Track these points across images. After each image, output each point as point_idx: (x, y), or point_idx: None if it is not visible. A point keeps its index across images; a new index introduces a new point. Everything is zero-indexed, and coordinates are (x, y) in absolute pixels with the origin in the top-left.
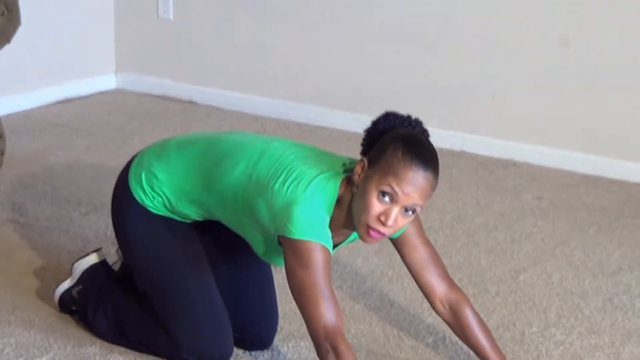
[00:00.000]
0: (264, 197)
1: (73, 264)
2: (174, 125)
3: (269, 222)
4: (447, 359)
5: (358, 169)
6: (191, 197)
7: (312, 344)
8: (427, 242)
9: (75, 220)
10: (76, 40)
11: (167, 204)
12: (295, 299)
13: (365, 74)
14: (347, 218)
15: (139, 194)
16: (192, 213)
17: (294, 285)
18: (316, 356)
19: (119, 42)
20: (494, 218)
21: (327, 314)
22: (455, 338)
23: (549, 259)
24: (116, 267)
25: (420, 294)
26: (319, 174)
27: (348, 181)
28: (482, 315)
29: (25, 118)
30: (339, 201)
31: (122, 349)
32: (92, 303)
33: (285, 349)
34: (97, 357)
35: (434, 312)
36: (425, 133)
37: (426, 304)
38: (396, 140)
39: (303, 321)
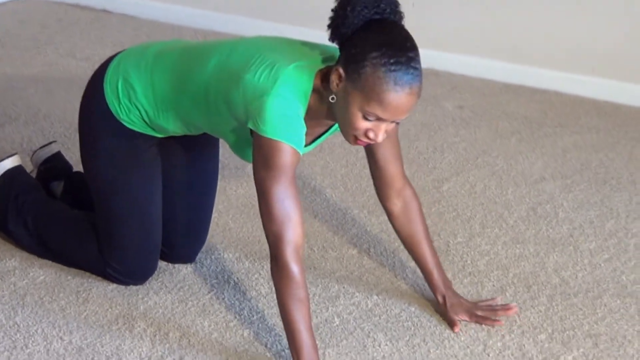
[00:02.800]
0: (236, 87)
1: None
2: (88, 34)
3: (242, 113)
4: (372, 270)
5: (335, 78)
6: (168, 106)
7: (234, 256)
8: (397, 138)
9: None
10: None
11: (144, 116)
12: (257, 195)
13: None
14: (324, 109)
15: (114, 106)
16: (170, 125)
17: (256, 183)
18: (236, 269)
19: None
20: (415, 128)
21: (280, 220)
22: (381, 249)
23: (471, 168)
24: (33, 175)
25: (344, 205)
26: (291, 63)
27: (326, 72)
28: None
29: None
30: (317, 92)
31: (43, 262)
32: (11, 213)
33: (209, 261)
34: (17, 271)
35: (357, 224)
36: (397, 13)
37: (349, 215)
38: (373, 53)
39: (225, 234)
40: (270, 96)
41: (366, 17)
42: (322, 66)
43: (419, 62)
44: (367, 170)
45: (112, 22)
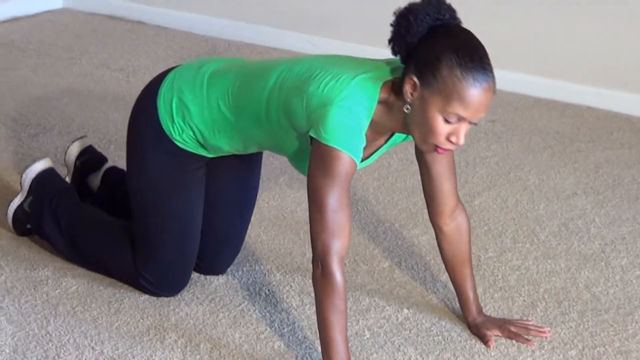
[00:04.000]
0: (299, 98)
1: (21, 176)
2: (122, 45)
3: (304, 122)
4: (403, 284)
5: (409, 88)
6: (226, 127)
7: (266, 268)
8: (453, 155)
9: (24, 142)
10: None
11: (199, 137)
12: (308, 202)
13: None
14: (395, 121)
15: (167, 125)
16: (225, 144)
17: (310, 190)
18: (268, 281)
19: None
20: None
21: (331, 229)
22: (412, 262)
23: (503, 183)
24: (67, 180)
25: (375, 218)
26: (358, 75)
27: (393, 84)
28: None
29: None
30: (384, 103)
31: (75, 271)
32: (47, 215)
33: (240, 273)
34: (49, 280)
35: (389, 237)
36: (455, 18)
37: (381, 229)
38: (447, 55)
39: (257, 246)
40: (334, 106)
41: (429, 23)
42: (389, 77)
43: (489, 60)
44: (399, 184)
45: (146, 33)
